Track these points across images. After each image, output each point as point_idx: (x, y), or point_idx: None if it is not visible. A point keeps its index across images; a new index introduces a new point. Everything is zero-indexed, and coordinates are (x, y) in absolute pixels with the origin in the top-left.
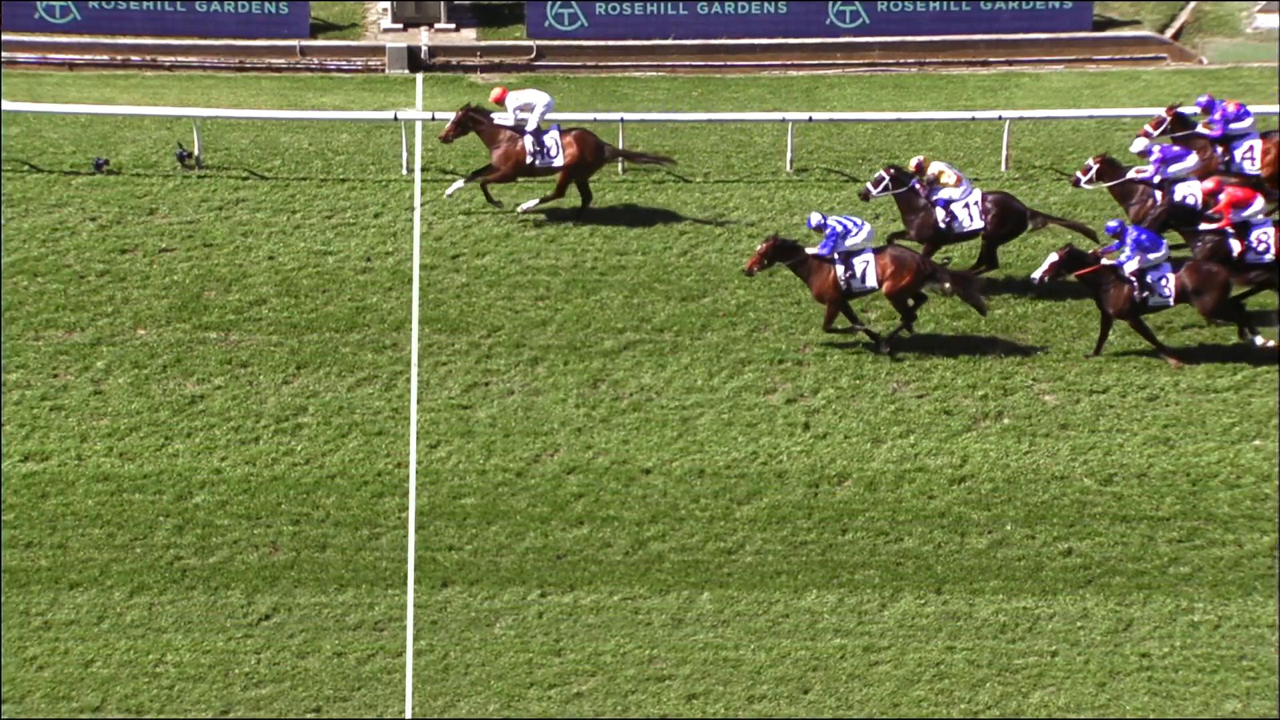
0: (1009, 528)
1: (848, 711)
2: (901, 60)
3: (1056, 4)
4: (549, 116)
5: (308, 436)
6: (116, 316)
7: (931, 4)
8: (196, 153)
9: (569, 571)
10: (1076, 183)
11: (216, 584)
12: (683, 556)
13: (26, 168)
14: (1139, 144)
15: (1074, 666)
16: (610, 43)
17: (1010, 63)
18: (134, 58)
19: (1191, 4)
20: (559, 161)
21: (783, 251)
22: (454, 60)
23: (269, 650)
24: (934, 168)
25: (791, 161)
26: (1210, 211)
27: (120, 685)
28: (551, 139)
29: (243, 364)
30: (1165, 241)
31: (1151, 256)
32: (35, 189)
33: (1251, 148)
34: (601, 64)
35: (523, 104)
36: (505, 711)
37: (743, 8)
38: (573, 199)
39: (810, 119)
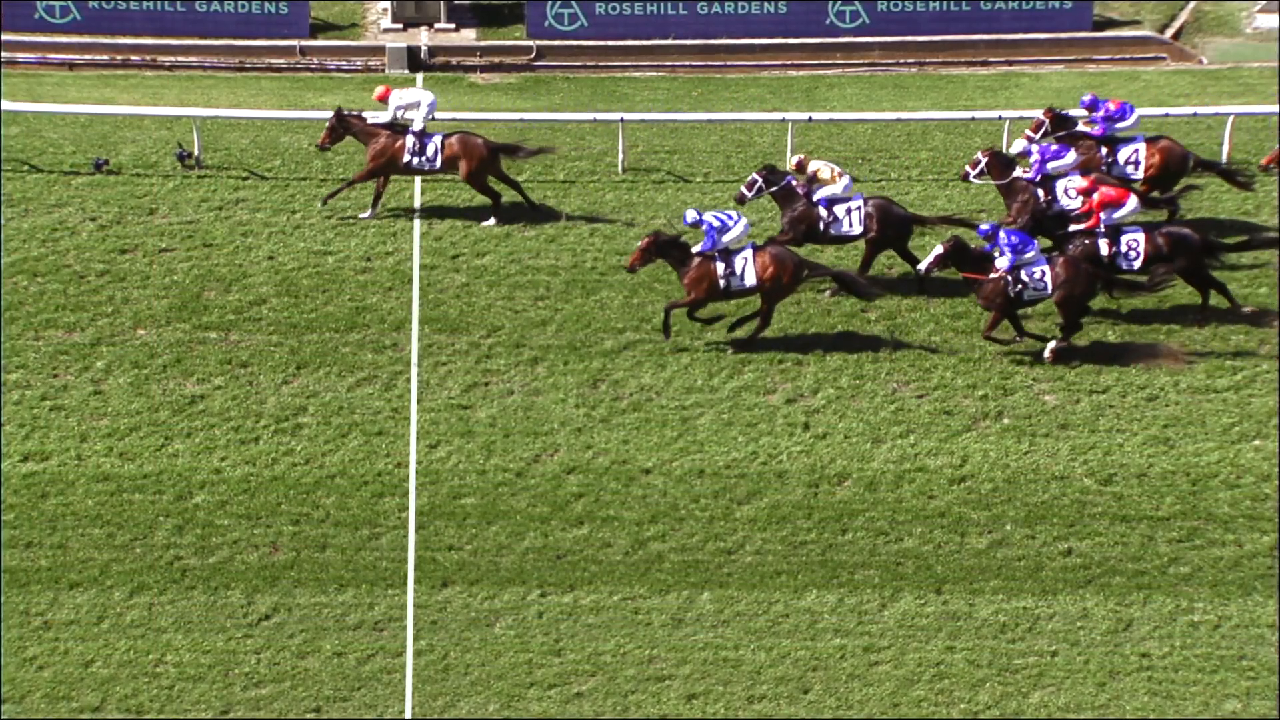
0: (1009, 528)
1: (848, 711)
2: (901, 60)
3: (1056, 4)
4: (434, 117)
5: (308, 436)
6: (116, 316)
7: (931, 4)
8: (196, 153)
9: (569, 571)
10: (965, 177)
11: (216, 584)
12: (683, 556)
13: (26, 168)
14: (1018, 145)
15: (1074, 666)
16: (610, 43)
17: (1010, 63)
18: (134, 58)
19: (1191, 4)
20: (437, 165)
21: (665, 247)
22: (454, 60)
23: (269, 650)
24: (813, 165)
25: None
26: (1079, 211)
27: (120, 685)
28: (433, 144)
29: (243, 364)
30: (1035, 240)
31: (1025, 256)
32: (35, 189)
33: (1136, 151)
34: (601, 64)
35: (406, 103)
36: (505, 711)
37: (743, 8)
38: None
39: (810, 119)
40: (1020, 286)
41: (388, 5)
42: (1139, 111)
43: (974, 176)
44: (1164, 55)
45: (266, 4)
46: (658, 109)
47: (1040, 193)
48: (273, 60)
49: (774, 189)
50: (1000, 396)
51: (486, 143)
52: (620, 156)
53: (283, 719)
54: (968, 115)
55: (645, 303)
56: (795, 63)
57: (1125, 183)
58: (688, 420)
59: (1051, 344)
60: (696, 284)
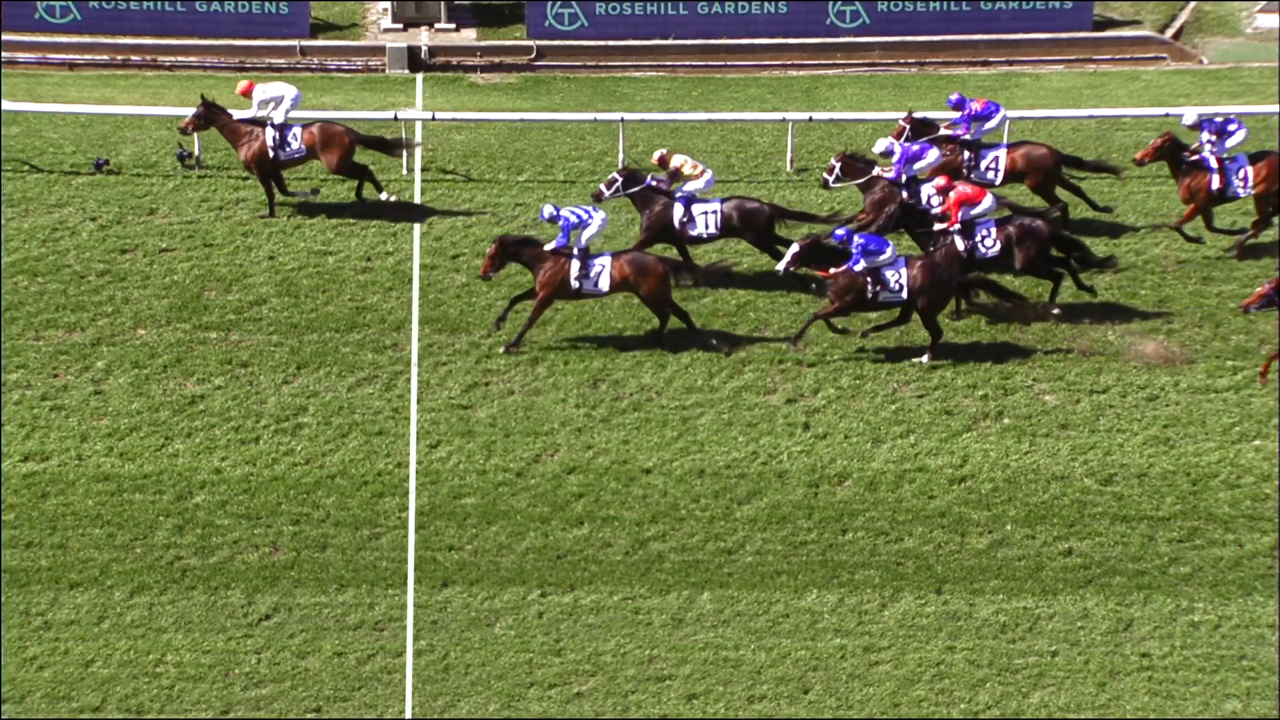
0: (1009, 528)
1: (848, 711)
2: (901, 60)
3: (1056, 4)
4: (294, 112)
5: (308, 436)
6: (116, 316)
7: (931, 4)
8: (196, 153)
9: (569, 571)
10: (825, 184)
11: (216, 584)
12: (683, 556)
13: (26, 168)
14: (881, 144)
15: (1074, 666)
16: (610, 43)
17: (1010, 63)
18: (134, 58)
19: (1191, 4)
20: (301, 153)
21: (512, 249)
22: (454, 60)
23: (269, 650)
24: (675, 160)
25: (792, 161)
26: (940, 210)
27: (120, 685)
28: (293, 133)
29: (243, 364)
30: (891, 242)
31: (879, 258)
32: (35, 189)
33: (997, 159)
34: (601, 64)
35: (269, 98)
36: (505, 711)
37: (743, 8)
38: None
39: (810, 119)
40: (878, 288)
41: (388, 5)
42: (1002, 115)
43: (832, 183)
44: (1164, 55)
45: (266, 4)
46: (658, 109)
47: (904, 193)
48: (273, 60)
49: (631, 191)
50: (1000, 396)
51: (348, 130)
52: (620, 156)
53: (283, 719)
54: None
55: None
56: (795, 63)
57: (985, 186)
58: (688, 420)
59: (925, 356)
60: (548, 284)
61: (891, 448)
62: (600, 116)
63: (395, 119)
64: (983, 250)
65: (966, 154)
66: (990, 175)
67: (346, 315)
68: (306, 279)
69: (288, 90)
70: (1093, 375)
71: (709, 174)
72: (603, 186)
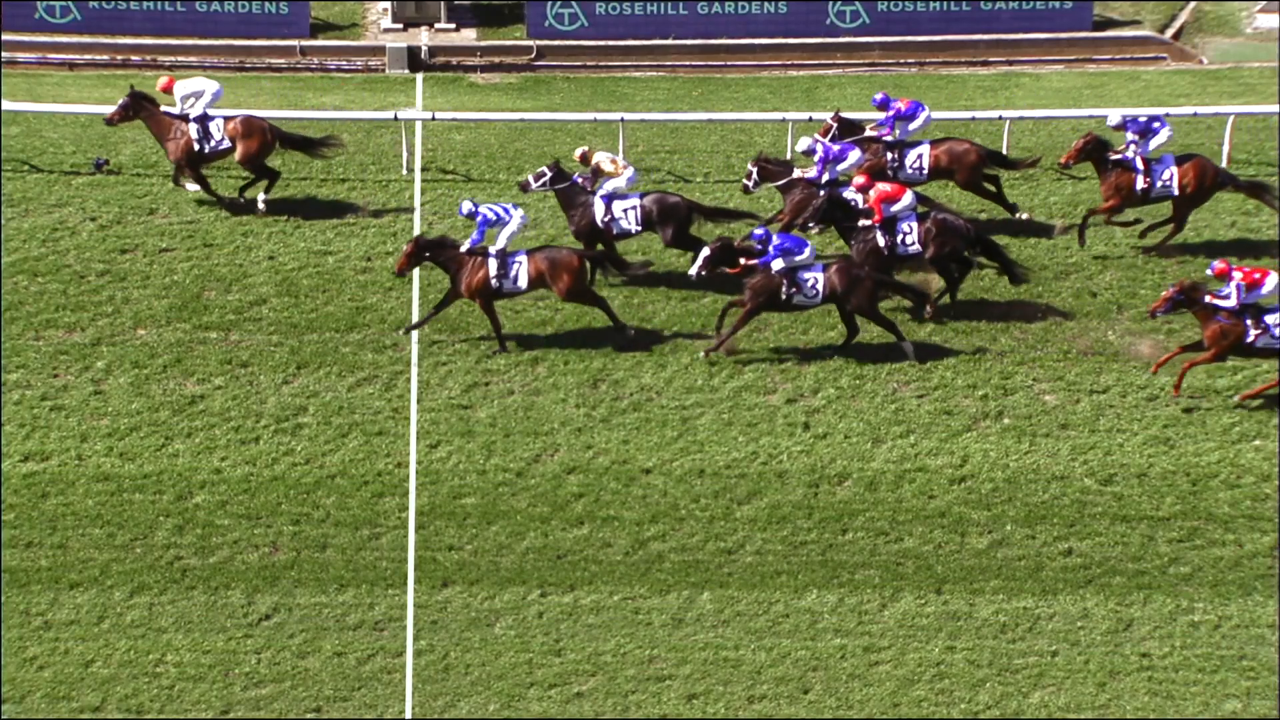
0: (1009, 528)
1: (848, 711)
2: (901, 60)
3: (1056, 4)
4: (214, 106)
5: (308, 436)
6: (116, 316)
7: (931, 4)
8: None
9: (569, 571)
10: (746, 190)
11: (216, 584)
12: (683, 556)
13: (26, 168)
14: (804, 142)
15: (1074, 666)
16: (610, 43)
17: (1010, 63)
18: (134, 58)
19: (1191, 4)
20: (226, 145)
21: (430, 248)
22: (454, 60)
23: (269, 650)
24: (596, 158)
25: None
26: (865, 207)
27: (120, 685)
28: (216, 125)
29: (243, 364)
30: (810, 243)
31: (797, 259)
32: (35, 189)
33: (920, 156)
34: (601, 64)
35: (190, 92)
36: (505, 711)
37: (743, 8)
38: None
39: (810, 119)
40: (793, 291)
41: (388, 5)
42: (926, 115)
43: (752, 187)
44: (1164, 55)
45: (266, 4)
46: (658, 109)
47: (823, 194)
48: (273, 60)
49: (559, 186)
50: (1000, 396)
51: (272, 127)
52: (620, 156)
53: (283, 719)
54: (968, 115)
55: (645, 303)
56: (795, 63)
57: (911, 185)
58: (688, 420)
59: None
60: (472, 288)
61: (891, 448)
62: (600, 116)
63: (395, 119)
64: (904, 247)
65: (890, 154)
66: (915, 173)
67: (346, 315)
68: (306, 279)
69: (209, 85)
70: (1093, 375)
71: (631, 171)
72: (530, 178)
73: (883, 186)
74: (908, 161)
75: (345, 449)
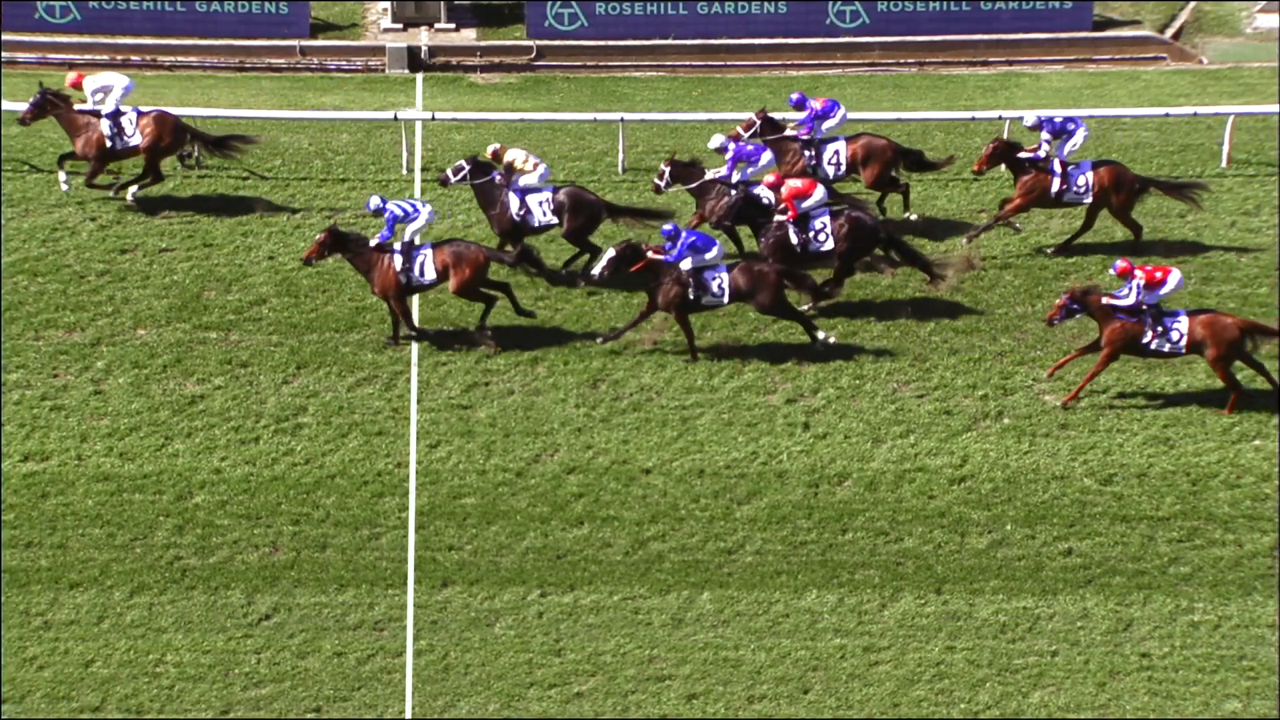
0: (1009, 528)
1: (848, 711)
2: (901, 60)
3: (1056, 4)
4: (125, 101)
5: (308, 436)
6: (116, 316)
7: (931, 4)
8: (196, 153)
9: (569, 571)
10: (657, 190)
11: (216, 584)
12: (683, 556)
13: (26, 168)
14: (715, 141)
15: (1074, 666)
16: (610, 43)
17: (1010, 63)
18: (134, 58)
19: (1191, 4)
20: (136, 141)
21: (341, 241)
22: (454, 60)
23: (269, 650)
24: (510, 154)
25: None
26: (780, 205)
27: (120, 685)
28: (128, 121)
29: (243, 364)
30: (719, 242)
31: (706, 257)
32: (35, 189)
33: (837, 152)
34: (601, 64)
35: (100, 87)
36: (505, 711)
37: (743, 8)
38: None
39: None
40: (700, 292)
41: (388, 5)
42: (842, 113)
43: (664, 187)
44: (1164, 55)
45: (266, 4)
46: (658, 109)
47: (734, 193)
48: (273, 60)
49: (478, 181)
50: (1000, 396)
51: (179, 122)
52: (620, 156)
53: (283, 719)
54: (968, 115)
55: (645, 302)
56: (795, 63)
57: (829, 183)
58: (688, 420)
59: (819, 334)
60: (381, 284)
61: (891, 448)
62: (600, 116)
63: (395, 119)
64: (816, 244)
65: (808, 152)
66: (834, 168)
67: (346, 315)
68: (306, 279)
69: (118, 80)
70: None
71: (544, 167)
72: (449, 172)
73: (794, 183)
74: (825, 158)
75: (345, 449)
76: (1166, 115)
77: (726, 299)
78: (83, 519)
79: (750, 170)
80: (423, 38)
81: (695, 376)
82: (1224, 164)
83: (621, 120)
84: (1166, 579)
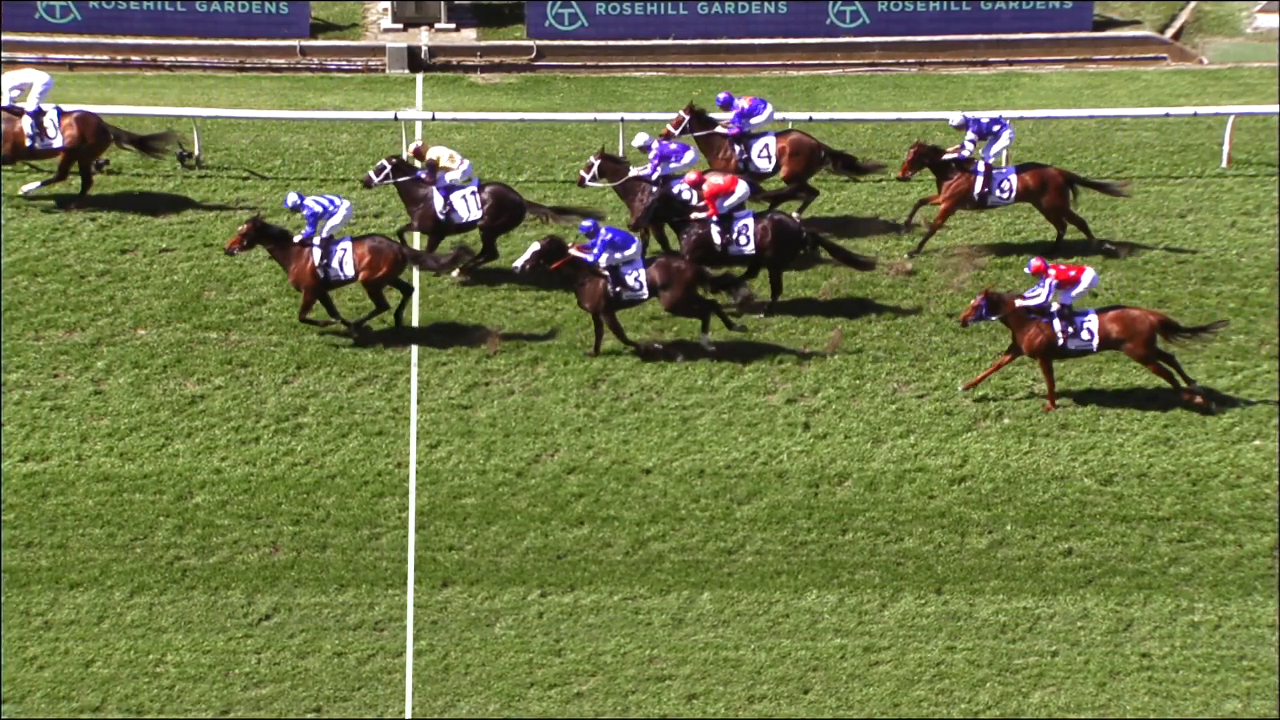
0: (1009, 528)
1: (848, 711)
2: (901, 60)
3: (1056, 4)
4: (44, 97)
5: (308, 436)
6: (116, 316)
7: (931, 4)
8: (196, 153)
9: (569, 571)
10: (581, 182)
11: (216, 584)
12: (683, 556)
13: (27, 168)
14: (640, 139)
15: (1074, 666)
16: (610, 43)
17: (1010, 63)
18: (134, 58)
19: (1191, 4)
20: (58, 143)
21: (264, 233)
22: (454, 60)
23: (269, 650)
24: (433, 152)
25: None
26: (701, 203)
27: (120, 685)
28: (50, 120)
29: (243, 364)
30: (636, 239)
31: (623, 254)
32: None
33: (766, 145)
34: (601, 64)
35: (17, 84)
36: (505, 711)
37: (743, 8)
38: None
39: (810, 119)
40: (619, 289)
41: (388, 5)
42: (770, 111)
43: (589, 180)
44: (1164, 55)
45: (266, 4)
46: (658, 109)
47: (656, 190)
48: (273, 60)
49: (400, 180)
50: (1000, 396)
51: (101, 123)
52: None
53: (283, 719)
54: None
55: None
56: (795, 63)
57: (759, 177)
58: (688, 420)
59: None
60: (300, 278)
61: (891, 448)
62: (600, 116)
63: (395, 119)
64: (738, 247)
65: (737, 147)
66: (762, 165)
67: (346, 314)
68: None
69: (37, 77)
70: (1093, 375)
71: (467, 164)
72: (371, 173)
73: (715, 180)
74: (754, 153)
75: (345, 449)
76: (1167, 115)
77: (645, 294)
78: (83, 519)
79: (673, 165)
80: (423, 38)
81: (695, 376)
82: (1224, 164)
83: (621, 120)
84: (1167, 579)
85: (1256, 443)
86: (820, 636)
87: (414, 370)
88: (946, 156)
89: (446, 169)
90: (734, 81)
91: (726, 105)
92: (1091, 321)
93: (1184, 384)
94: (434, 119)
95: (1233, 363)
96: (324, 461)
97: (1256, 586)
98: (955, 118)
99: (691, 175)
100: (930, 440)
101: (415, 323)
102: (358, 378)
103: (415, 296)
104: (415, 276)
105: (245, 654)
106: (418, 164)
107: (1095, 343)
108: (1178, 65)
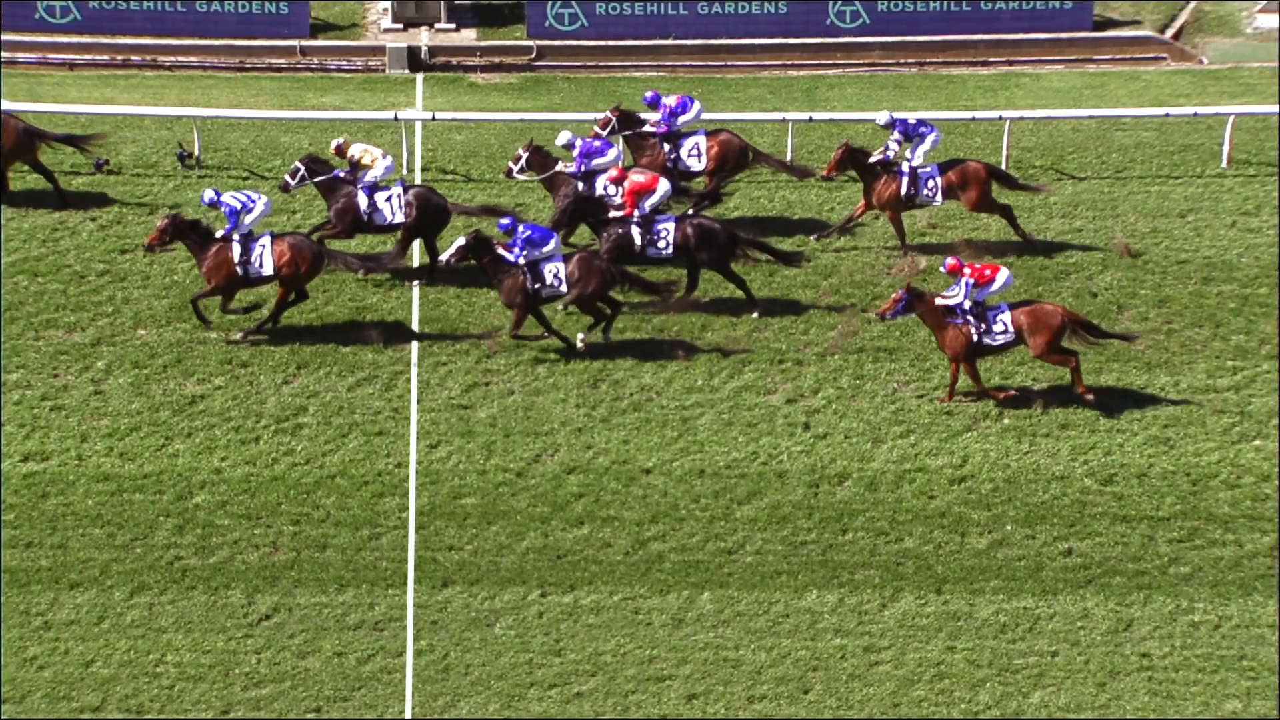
0: (1009, 528)
1: (848, 711)
2: (901, 60)
3: (1056, 4)
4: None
5: (308, 436)
6: (116, 316)
7: (931, 4)
8: (196, 153)
9: (569, 571)
10: (509, 173)
11: (216, 584)
12: (683, 556)
13: (27, 168)
14: (563, 137)
15: (1074, 666)
16: (610, 43)
17: (1010, 63)
18: (134, 58)
19: (1191, 4)
20: None
21: (183, 229)
22: (454, 60)
23: (269, 650)
24: (354, 150)
25: (791, 161)
26: (619, 201)
27: (120, 685)
28: None
29: (243, 364)
30: (555, 235)
31: (542, 250)
32: (36, 189)
33: (697, 145)
34: (601, 64)
35: None
36: (505, 711)
37: (743, 8)
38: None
39: (810, 119)
40: (539, 285)
41: (388, 5)
42: (698, 108)
43: (516, 173)
44: (1164, 55)
45: (266, 4)
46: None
47: (580, 186)
48: (273, 60)
49: (318, 179)
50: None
51: (28, 128)
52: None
53: (283, 719)
54: (968, 115)
55: (646, 302)
56: (795, 63)
57: (689, 175)
58: (688, 420)
59: (581, 336)
60: (214, 271)
61: (891, 448)
62: (600, 116)
63: (395, 119)
64: (656, 250)
65: (666, 146)
66: (692, 163)
67: (346, 315)
68: None
69: None
70: (1092, 375)
71: (389, 161)
72: (287, 177)
73: (637, 178)
74: (683, 151)
75: (345, 449)
76: (1167, 115)
77: (564, 289)
78: (83, 519)
79: (596, 162)
80: (423, 38)
81: (695, 376)
82: (1224, 164)
83: None
84: (1166, 579)
85: (1256, 443)
86: (820, 636)
87: (414, 370)
88: (873, 159)
89: (368, 167)
90: (734, 81)
91: (653, 104)
92: (1005, 316)
93: (1080, 385)
94: (434, 119)
95: (1233, 363)
96: (324, 461)
97: (1256, 586)
98: (882, 117)
99: (613, 172)
100: (930, 440)
101: (415, 323)
102: (358, 378)
103: (415, 296)
104: (414, 284)
105: (245, 654)
106: (339, 162)
107: (1010, 336)
108: (1178, 65)
